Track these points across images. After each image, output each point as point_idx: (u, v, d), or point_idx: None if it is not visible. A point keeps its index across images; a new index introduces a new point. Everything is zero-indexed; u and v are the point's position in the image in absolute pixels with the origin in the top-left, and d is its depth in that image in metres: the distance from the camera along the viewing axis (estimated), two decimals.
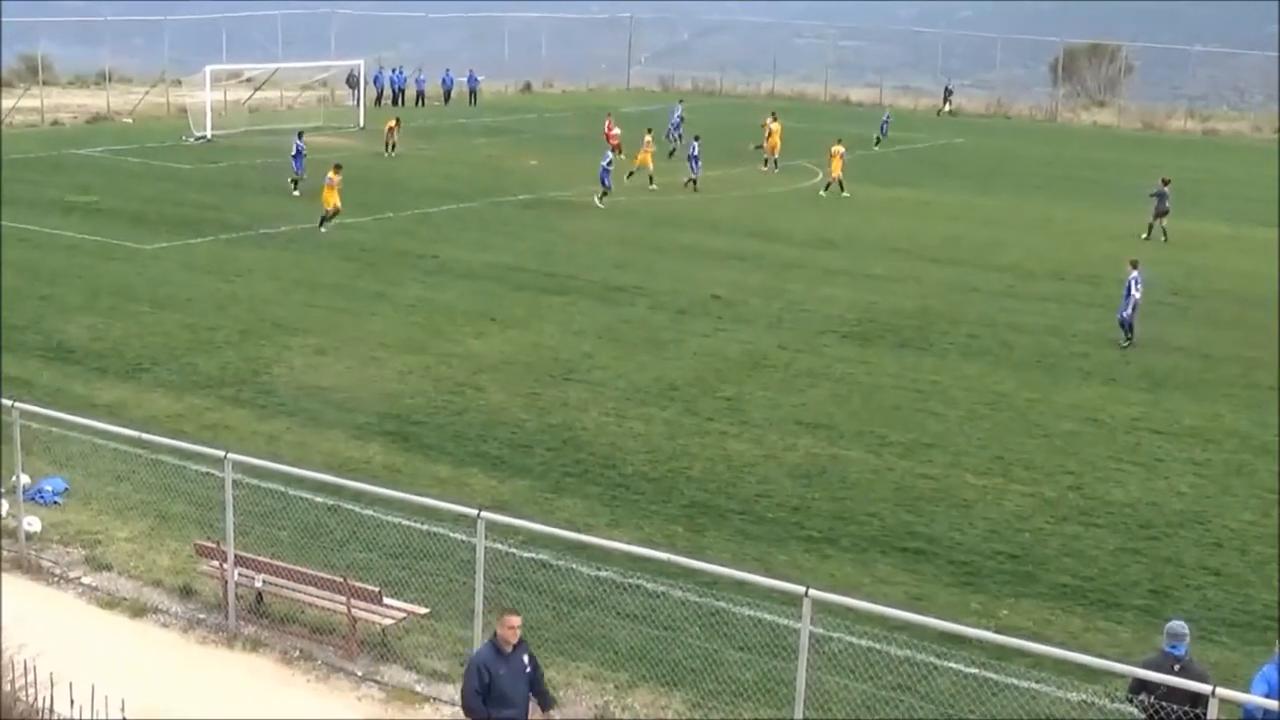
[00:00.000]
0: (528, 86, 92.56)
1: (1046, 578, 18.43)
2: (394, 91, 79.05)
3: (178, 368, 26.22)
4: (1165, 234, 43.89)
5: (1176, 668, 12.43)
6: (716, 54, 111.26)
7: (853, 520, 20.06)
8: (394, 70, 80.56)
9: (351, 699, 14.87)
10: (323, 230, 39.04)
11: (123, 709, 12.38)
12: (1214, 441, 24.35)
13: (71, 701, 12.27)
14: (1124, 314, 30.28)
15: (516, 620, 12.38)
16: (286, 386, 25.29)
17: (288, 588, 16.01)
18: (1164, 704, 12.13)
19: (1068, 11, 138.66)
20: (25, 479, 18.58)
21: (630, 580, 17.01)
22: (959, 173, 59.87)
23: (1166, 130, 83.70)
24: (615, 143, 54.46)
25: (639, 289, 33.96)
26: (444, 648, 15.67)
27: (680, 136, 61.37)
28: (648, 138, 51.72)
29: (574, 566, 17.27)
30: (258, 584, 16.11)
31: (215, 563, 16.40)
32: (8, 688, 12.78)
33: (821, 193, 51.12)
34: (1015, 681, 14.81)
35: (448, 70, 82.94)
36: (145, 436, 18.13)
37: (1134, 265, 30.43)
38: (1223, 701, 11.46)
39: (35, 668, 12.83)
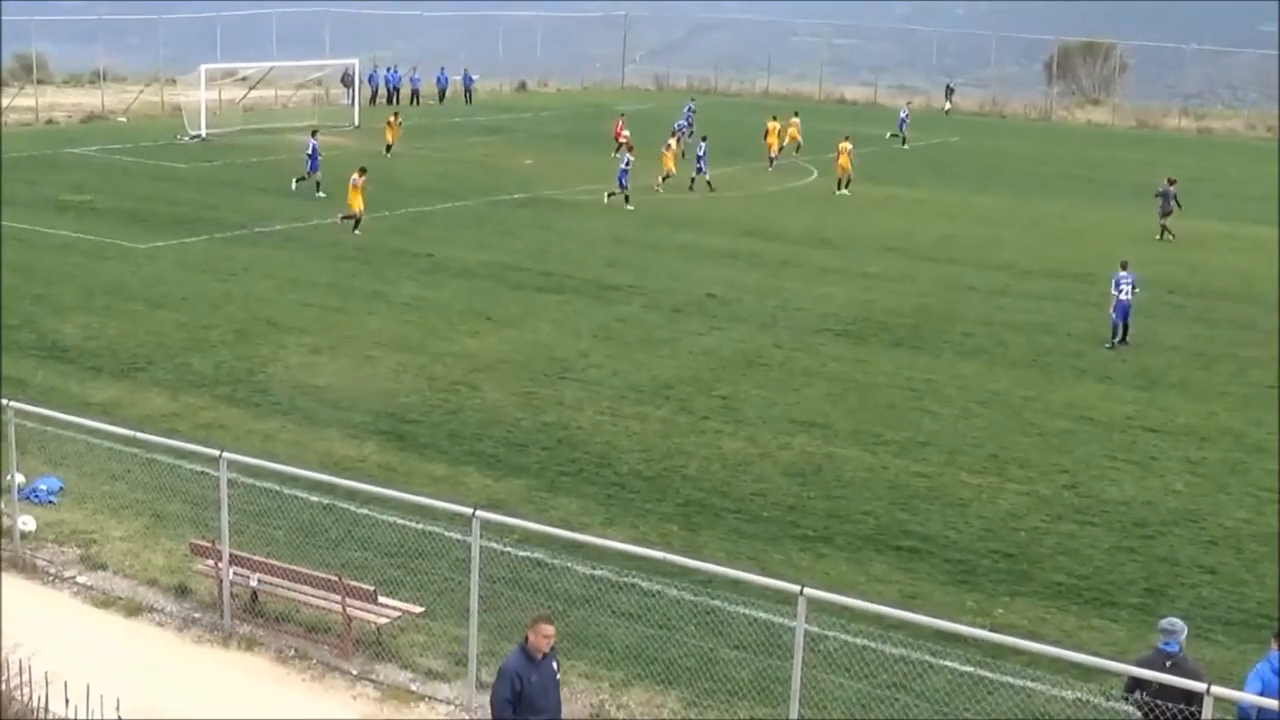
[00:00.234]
0: (523, 85, 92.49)
1: (1041, 576, 18.45)
2: (389, 90, 78.96)
3: (173, 367, 26.20)
4: (1171, 234, 43.83)
5: (1168, 664, 12.46)
6: (711, 52, 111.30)
7: (848, 519, 20.07)
8: (389, 69, 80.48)
9: (347, 698, 14.87)
10: (356, 233, 38.89)
11: (118, 708, 12.38)
12: (1209, 440, 24.37)
13: (66, 701, 12.27)
14: (1111, 314, 30.22)
15: (551, 629, 12.27)
16: (281, 385, 25.28)
17: (283, 587, 16.00)
18: (1156, 701, 12.15)
19: (1062, 10, 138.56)
20: (20, 478, 18.57)
21: (625, 579, 17.00)
22: (954, 171, 59.90)
23: (1161, 128, 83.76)
24: (625, 142, 54.58)
25: (634, 288, 33.97)
26: (439, 647, 15.67)
27: (692, 134, 61.11)
28: (671, 141, 51.43)
29: (569, 565, 17.27)
30: (253, 583, 16.10)
31: (210, 562, 16.39)
32: (3, 687, 12.78)
33: (845, 191, 51.03)
34: (1010, 680, 14.81)
35: (443, 69, 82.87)
36: (140, 436, 18.12)
37: (1123, 266, 30.40)
38: (1217, 700, 11.46)
39: (30, 667, 12.83)
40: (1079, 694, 14.55)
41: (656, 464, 21.95)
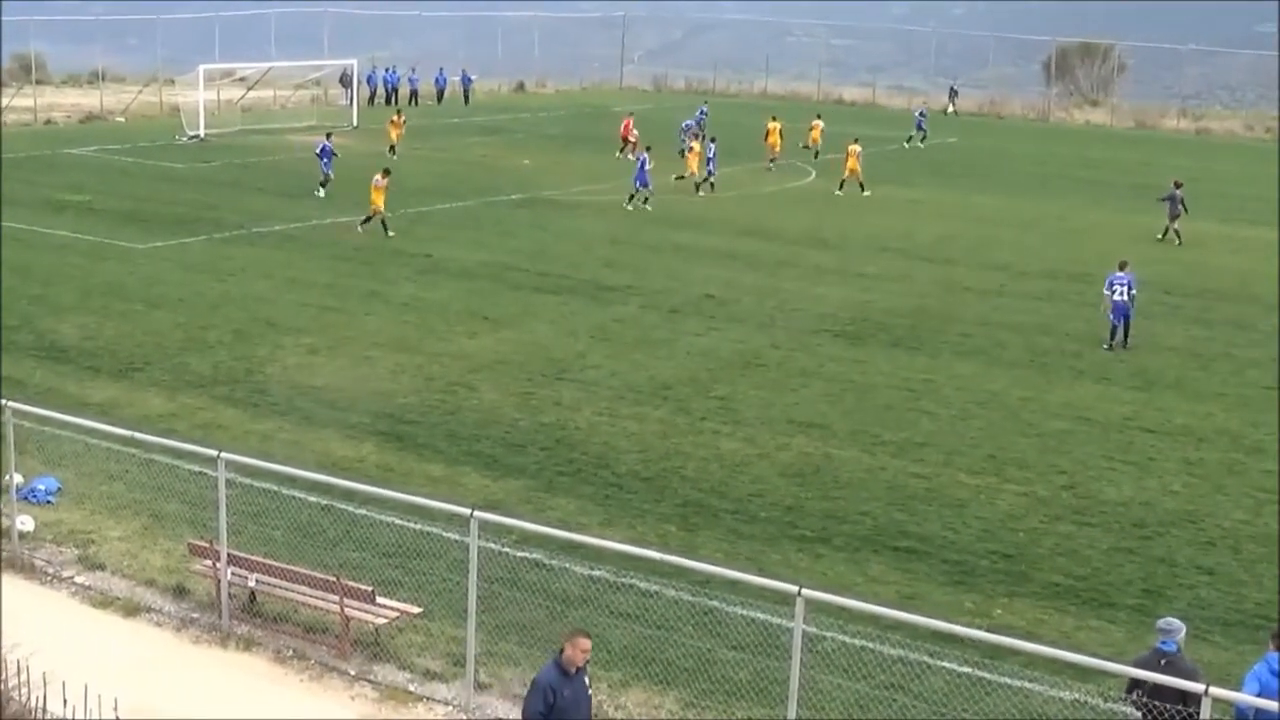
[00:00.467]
0: (521, 86, 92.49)
1: (1039, 577, 18.46)
2: (387, 91, 78.97)
3: (171, 367, 26.20)
4: (1179, 238, 43.77)
5: (1163, 662, 12.47)
6: (709, 53, 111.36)
7: (846, 519, 20.07)
8: (387, 69, 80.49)
9: (345, 698, 14.87)
10: (390, 235, 38.76)
11: (115, 708, 12.38)
12: (1206, 440, 24.39)
13: (65, 701, 12.27)
14: (1108, 316, 30.14)
15: (587, 643, 12.21)
16: (280, 386, 25.29)
17: (281, 587, 16.01)
18: (1152, 702, 12.16)
19: (1060, 10, 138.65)
20: (18, 478, 18.59)
21: (623, 580, 17.00)
22: (952, 171, 59.90)
23: (1159, 129, 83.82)
24: (634, 141, 54.43)
25: (632, 288, 33.97)
26: (437, 647, 15.67)
27: (700, 136, 60.97)
28: (695, 144, 51.14)
29: (567, 566, 17.27)
30: (251, 583, 16.10)
31: (208, 562, 16.40)
32: (1, 687, 12.78)
33: (866, 193, 50.96)
34: (1008, 681, 14.82)
35: (441, 69, 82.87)
36: (138, 436, 18.11)
37: (1121, 266, 30.29)
38: (1215, 701, 11.47)
39: (28, 667, 12.83)
40: (1077, 695, 14.56)
41: (654, 464, 21.96)
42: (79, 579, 17.33)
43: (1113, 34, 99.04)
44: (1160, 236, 43.97)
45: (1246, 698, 12.03)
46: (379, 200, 39.22)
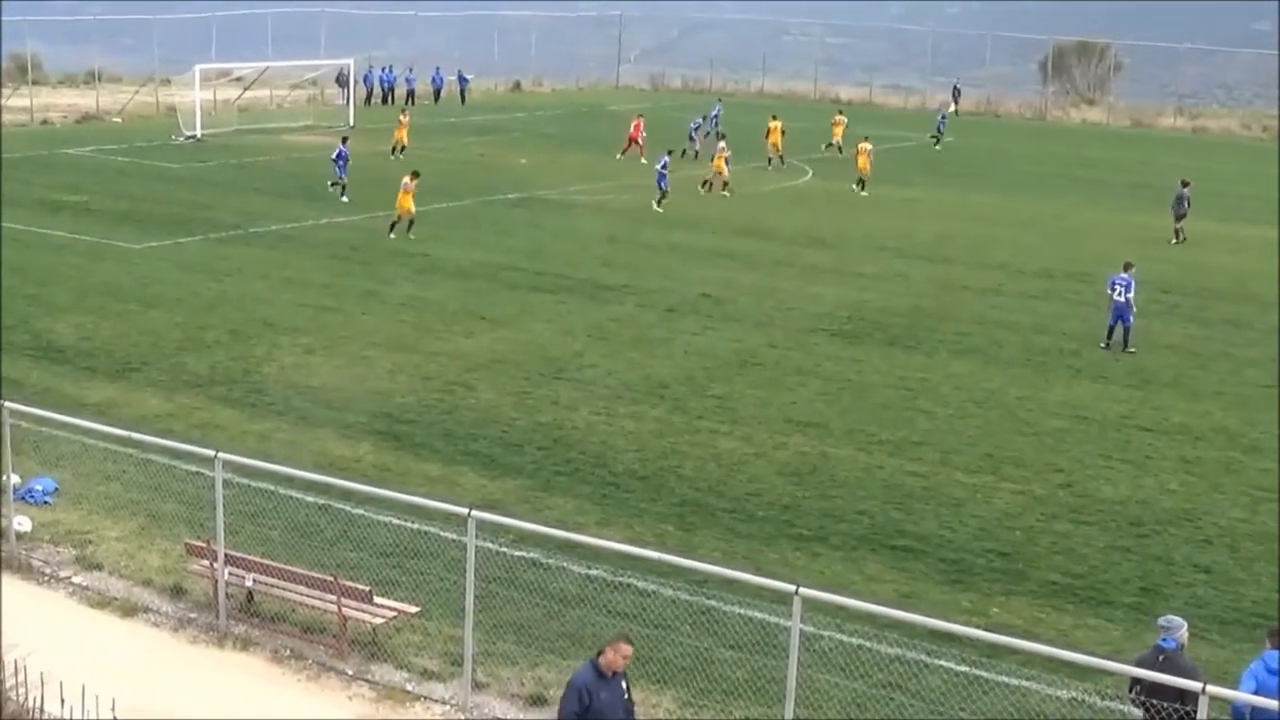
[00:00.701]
0: (517, 85, 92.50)
1: (1036, 575, 18.47)
2: (384, 90, 78.98)
3: (168, 367, 26.19)
4: (1182, 236, 43.76)
5: (1161, 659, 12.49)
6: (705, 52, 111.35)
7: (843, 518, 20.08)
8: (384, 69, 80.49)
9: (342, 698, 14.87)
10: (411, 236, 38.67)
11: (113, 708, 12.37)
12: (1203, 439, 24.40)
13: (62, 701, 12.26)
14: (1109, 315, 30.11)
15: (629, 649, 12.18)
16: (277, 386, 25.28)
17: (278, 587, 16.01)
18: (1149, 700, 12.17)
19: (1057, 9, 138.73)
20: (15, 478, 18.58)
21: (621, 579, 17.01)
22: (949, 171, 59.92)
23: (1156, 128, 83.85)
24: (640, 143, 54.34)
25: (629, 287, 33.97)
26: (435, 647, 15.67)
27: (710, 134, 60.83)
28: (721, 144, 50.76)
29: (564, 565, 17.28)
30: (248, 583, 16.10)
31: (206, 562, 16.39)
32: None
33: (862, 192, 51.00)
34: (1006, 679, 14.83)
35: (438, 69, 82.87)
36: (135, 436, 18.11)
37: (1125, 267, 30.20)
38: (1212, 699, 11.48)
39: (26, 667, 12.82)
40: (1074, 693, 14.58)
41: (651, 464, 21.96)
42: (76, 579, 17.32)
43: (1109, 33, 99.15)
44: (1175, 240, 43.60)
45: (1243, 696, 12.04)
46: (408, 203, 39.07)
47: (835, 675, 14.84)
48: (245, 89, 72.21)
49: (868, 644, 15.38)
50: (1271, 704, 11.77)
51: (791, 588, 13.05)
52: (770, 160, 57.33)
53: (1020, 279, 37.22)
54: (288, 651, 15.68)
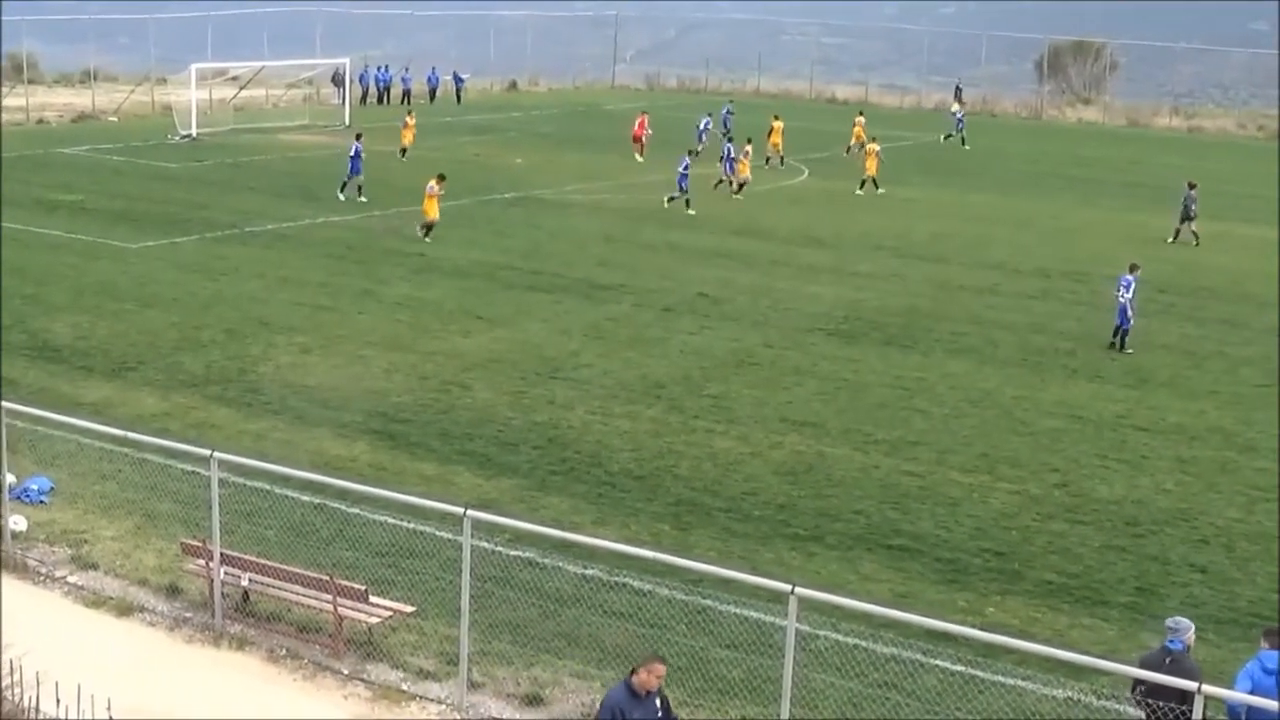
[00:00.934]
0: (513, 85, 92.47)
1: (1032, 575, 18.48)
2: (379, 90, 78.92)
3: (164, 366, 26.18)
4: (1178, 235, 43.70)
5: (1168, 660, 12.51)
6: (701, 51, 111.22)
7: (839, 518, 20.09)
8: (380, 68, 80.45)
9: (338, 697, 14.86)
10: (426, 240, 38.59)
11: (109, 708, 12.36)
12: (1199, 438, 24.42)
13: (58, 700, 12.26)
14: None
15: (662, 669, 12.15)
16: (273, 385, 25.26)
17: (274, 586, 16.00)
18: (1149, 700, 12.18)
19: (1052, 9, 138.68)
20: (11, 478, 18.55)
21: (617, 578, 17.02)
22: (945, 170, 59.94)
23: (1152, 127, 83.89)
24: (643, 140, 54.21)
25: (625, 287, 33.97)
26: (430, 646, 15.67)
27: (723, 135, 60.76)
28: (747, 147, 50.59)
29: (560, 565, 17.29)
30: (244, 583, 16.09)
31: (201, 561, 16.38)
32: None
33: (858, 191, 51.04)
34: (1001, 679, 14.85)
35: (434, 68, 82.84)
36: (131, 435, 18.09)
37: (1131, 269, 30.20)
38: (1209, 699, 11.49)
39: (21, 667, 12.82)
40: (1070, 693, 14.59)
41: (647, 463, 21.96)
42: (72, 579, 17.30)
43: (1105, 32, 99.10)
44: (1195, 243, 43.35)
45: (1240, 695, 12.05)
46: (432, 207, 38.89)
47: (831, 675, 14.85)
48: (241, 88, 72.15)
49: (863, 643, 15.38)
50: (1269, 704, 11.78)
51: (787, 587, 13.05)
52: (769, 159, 57.31)
53: (1016, 279, 37.24)
54: (283, 651, 15.67)
